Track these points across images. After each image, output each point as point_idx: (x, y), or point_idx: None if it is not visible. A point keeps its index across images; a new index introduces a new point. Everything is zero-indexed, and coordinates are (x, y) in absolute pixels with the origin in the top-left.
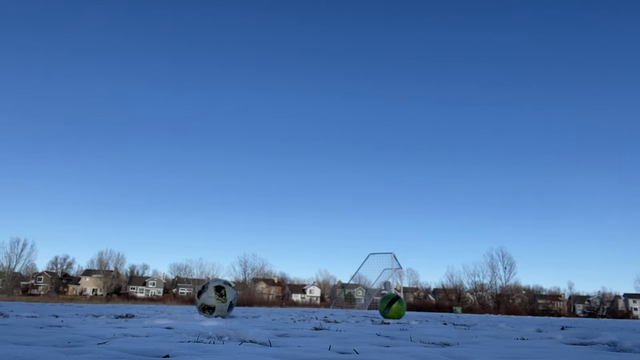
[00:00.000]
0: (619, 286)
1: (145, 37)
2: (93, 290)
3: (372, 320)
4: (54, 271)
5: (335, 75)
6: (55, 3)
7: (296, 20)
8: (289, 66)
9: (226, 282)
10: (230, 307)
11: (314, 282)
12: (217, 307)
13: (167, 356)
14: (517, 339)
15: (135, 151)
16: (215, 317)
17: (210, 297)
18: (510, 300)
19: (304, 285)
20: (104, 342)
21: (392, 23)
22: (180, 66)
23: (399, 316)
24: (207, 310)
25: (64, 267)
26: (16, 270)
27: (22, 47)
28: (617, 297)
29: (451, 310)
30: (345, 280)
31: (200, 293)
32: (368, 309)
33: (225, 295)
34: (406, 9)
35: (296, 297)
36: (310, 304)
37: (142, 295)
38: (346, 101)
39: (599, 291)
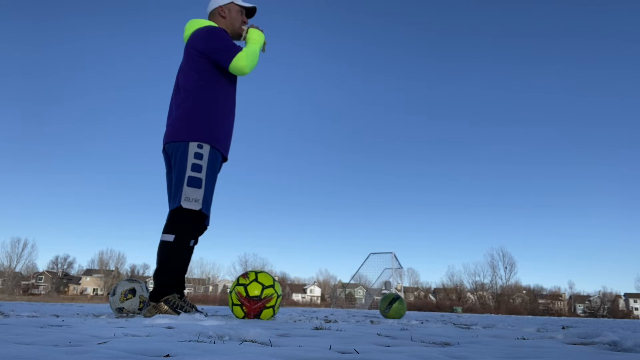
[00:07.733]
0: (620, 286)
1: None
2: (94, 290)
3: (372, 321)
4: (55, 271)
5: (332, 75)
6: None
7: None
8: (297, 62)
9: (133, 280)
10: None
11: (315, 282)
12: (126, 306)
13: (168, 356)
14: (518, 338)
15: (135, 150)
16: (129, 313)
17: (116, 301)
18: (511, 300)
19: (305, 284)
20: (105, 342)
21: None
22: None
23: (399, 316)
24: (120, 311)
25: (65, 266)
26: (17, 269)
27: (21, 48)
28: (618, 296)
29: (452, 310)
30: (345, 280)
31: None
32: (369, 309)
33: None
34: None
35: (297, 296)
36: (311, 304)
37: None
38: (345, 100)
39: (600, 291)
